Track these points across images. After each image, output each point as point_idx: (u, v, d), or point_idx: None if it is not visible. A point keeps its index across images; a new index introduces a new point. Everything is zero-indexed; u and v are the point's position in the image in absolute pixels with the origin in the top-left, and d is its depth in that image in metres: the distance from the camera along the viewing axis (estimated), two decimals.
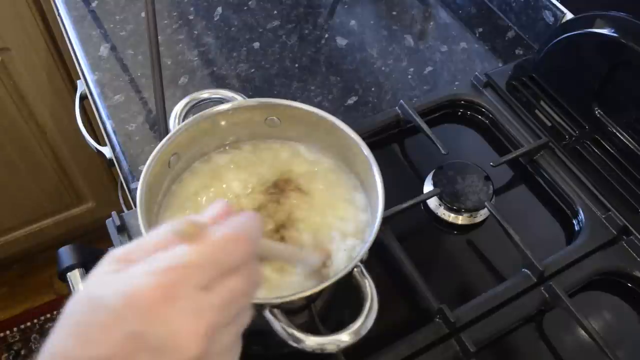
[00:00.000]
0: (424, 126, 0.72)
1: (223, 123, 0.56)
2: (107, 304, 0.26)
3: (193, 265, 0.28)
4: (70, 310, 0.28)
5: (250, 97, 0.59)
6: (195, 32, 0.89)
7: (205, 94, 0.58)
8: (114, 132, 0.76)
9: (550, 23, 0.84)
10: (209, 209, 0.33)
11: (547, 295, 0.60)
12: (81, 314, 0.27)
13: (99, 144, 0.97)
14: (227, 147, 0.59)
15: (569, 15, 0.80)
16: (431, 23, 0.94)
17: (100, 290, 0.28)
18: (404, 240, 0.63)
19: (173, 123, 0.55)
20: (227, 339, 0.30)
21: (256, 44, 0.88)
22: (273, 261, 0.47)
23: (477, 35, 0.91)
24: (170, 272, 0.27)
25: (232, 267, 0.30)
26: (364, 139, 0.53)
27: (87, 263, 0.58)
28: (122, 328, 0.26)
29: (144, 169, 0.49)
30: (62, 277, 0.58)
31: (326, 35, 0.91)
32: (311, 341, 0.42)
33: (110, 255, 0.30)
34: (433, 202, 0.68)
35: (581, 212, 0.67)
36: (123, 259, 0.29)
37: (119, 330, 0.26)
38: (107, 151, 0.91)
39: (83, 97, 1.02)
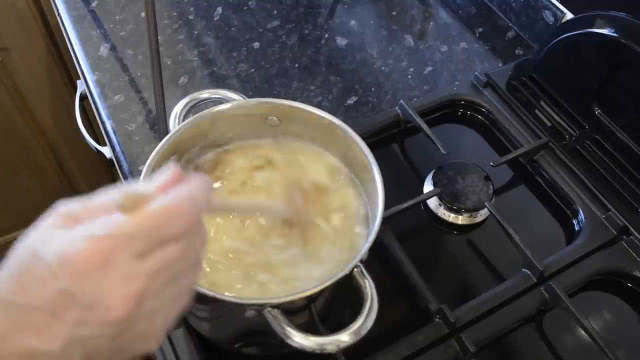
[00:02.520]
0: (424, 126, 0.72)
1: (223, 123, 0.56)
2: (46, 261, 0.29)
3: (127, 235, 0.30)
4: (16, 257, 0.30)
5: (250, 97, 0.59)
6: (195, 32, 0.89)
7: (205, 94, 0.58)
8: (114, 132, 0.76)
9: (550, 23, 0.84)
10: (158, 176, 0.34)
11: (547, 295, 0.60)
12: (24, 263, 0.29)
13: (99, 144, 0.97)
14: (227, 147, 0.59)
15: (569, 15, 0.80)
16: (431, 23, 0.94)
17: (42, 245, 0.30)
18: (404, 240, 0.63)
19: (173, 123, 0.55)
20: (157, 303, 0.32)
21: (256, 44, 0.88)
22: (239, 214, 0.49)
23: (477, 35, 0.91)
24: (106, 240, 0.29)
25: (169, 237, 0.31)
26: (364, 139, 0.53)
27: None
28: (56, 284, 0.28)
29: (144, 169, 0.49)
30: None
31: (326, 35, 0.91)
32: (311, 341, 0.42)
33: (57, 210, 0.32)
34: (433, 202, 0.68)
35: (581, 212, 0.67)
36: (67, 217, 0.31)
37: (53, 286, 0.28)
38: (107, 151, 0.91)
39: (83, 97, 1.02)
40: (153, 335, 0.33)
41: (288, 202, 0.53)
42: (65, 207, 0.32)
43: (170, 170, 0.34)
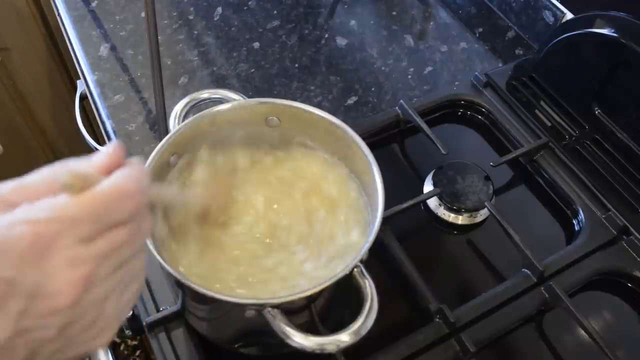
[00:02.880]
0: (424, 126, 0.72)
1: (223, 123, 0.56)
2: None
3: (72, 218, 0.28)
4: None
5: (250, 97, 0.59)
6: (195, 32, 0.89)
7: (205, 94, 0.58)
8: (114, 132, 0.76)
9: (550, 23, 0.84)
10: (99, 154, 0.33)
11: (547, 295, 0.60)
12: None
13: (99, 144, 0.97)
14: (227, 146, 0.59)
15: (569, 15, 0.80)
16: (431, 23, 0.94)
17: None
18: (404, 240, 0.63)
19: (173, 123, 0.55)
20: (105, 287, 0.30)
21: (256, 44, 0.88)
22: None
23: (477, 35, 0.91)
24: (49, 224, 0.28)
25: (117, 221, 0.30)
26: (364, 139, 0.53)
27: None
28: None
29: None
30: None
31: (326, 35, 0.91)
32: (311, 341, 0.42)
33: None
34: (433, 202, 0.68)
35: (581, 212, 0.67)
36: (3, 200, 0.29)
37: None
38: None
39: (83, 97, 1.02)
40: (105, 326, 0.31)
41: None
42: (0, 187, 0.30)
43: (112, 148, 0.33)
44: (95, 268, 0.29)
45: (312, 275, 0.50)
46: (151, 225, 0.34)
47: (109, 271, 0.30)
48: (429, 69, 0.86)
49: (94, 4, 0.92)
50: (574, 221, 0.68)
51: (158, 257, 0.44)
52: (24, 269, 0.27)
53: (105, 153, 0.32)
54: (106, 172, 0.32)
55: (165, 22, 0.90)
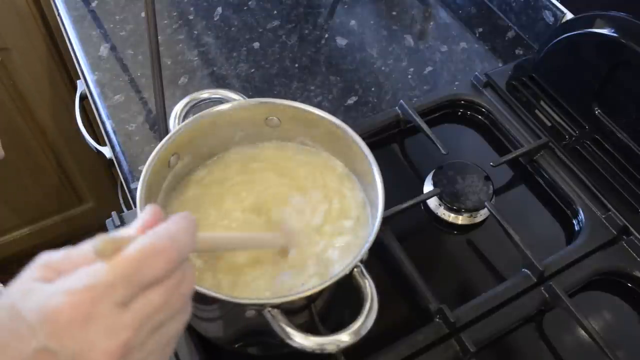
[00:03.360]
0: (424, 126, 0.72)
1: (223, 123, 0.56)
2: (25, 317, 0.28)
3: (107, 284, 0.28)
4: None
5: (250, 97, 0.59)
6: (195, 32, 0.89)
7: (205, 94, 0.58)
8: (114, 132, 0.76)
9: (550, 23, 0.84)
10: (138, 217, 0.33)
11: (547, 295, 0.60)
12: (2, 319, 0.28)
13: (99, 144, 0.97)
14: (227, 146, 0.59)
15: (569, 15, 0.80)
16: (431, 23, 0.94)
17: (22, 300, 0.28)
18: (404, 240, 0.63)
19: (173, 123, 0.55)
20: (143, 352, 0.30)
21: (256, 44, 0.88)
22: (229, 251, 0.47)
23: (477, 35, 0.91)
24: (86, 292, 0.28)
25: (150, 280, 0.30)
26: (364, 139, 0.53)
27: None
28: (36, 342, 0.27)
29: (144, 168, 0.49)
30: None
31: (326, 35, 0.91)
32: (311, 341, 0.42)
33: (39, 260, 0.30)
34: (433, 202, 0.68)
35: (581, 212, 0.67)
36: (50, 268, 0.30)
37: (33, 344, 0.27)
38: (107, 151, 0.91)
39: (83, 97, 1.02)
40: None
41: (281, 232, 0.51)
42: (46, 257, 0.30)
43: (148, 209, 0.33)
44: (133, 334, 0.29)
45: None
46: (193, 282, 0.33)
47: (147, 335, 0.30)
48: (429, 69, 0.86)
49: (94, 4, 0.92)
50: (574, 221, 0.68)
51: None
52: (62, 339, 0.27)
53: (142, 215, 0.33)
54: (144, 233, 0.31)
55: (165, 22, 0.90)
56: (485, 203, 0.66)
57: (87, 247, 0.31)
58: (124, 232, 0.32)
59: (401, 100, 0.75)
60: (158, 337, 0.31)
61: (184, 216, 0.33)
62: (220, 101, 0.57)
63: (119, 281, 0.29)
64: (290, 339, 0.42)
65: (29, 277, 0.30)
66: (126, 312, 0.29)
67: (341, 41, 0.90)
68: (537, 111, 0.77)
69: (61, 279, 0.29)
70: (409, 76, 0.85)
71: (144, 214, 0.33)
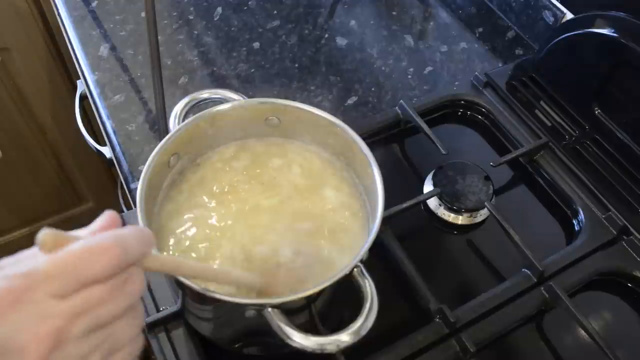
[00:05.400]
0: (424, 126, 0.72)
1: (223, 123, 0.56)
2: None
3: (44, 274, 0.29)
4: None
5: (250, 97, 0.59)
6: (195, 32, 0.89)
7: (205, 94, 0.58)
8: (114, 132, 0.76)
9: (550, 23, 0.84)
10: (96, 221, 0.33)
11: (547, 295, 0.60)
12: None
13: (99, 144, 0.97)
14: (226, 146, 0.59)
15: (569, 15, 0.80)
16: (431, 23, 0.94)
17: None
18: (404, 240, 0.63)
19: (173, 123, 0.55)
20: (81, 348, 0.30)
21: (256, 44, 0.88)
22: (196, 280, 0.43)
23: (477, 35, 0.91)
24: (22, 279, 0.28)
25: (91, 278, 0.30)
26: (364, 139, 0.53)
27: None
28: None
29: (144, 169, 0.49)
30: None
31: (326, 35, 0.91)
32: (311, 341, 0.42)
33: None
34: (433, 202, 0.68)
35: (581, 212, 0.67)
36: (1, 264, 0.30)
37: None
38: (107, 151, 0.91)
39: (83, 97, 1.02)
40: None
41: (263, 273, 0.49)
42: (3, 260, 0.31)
43: (105, 215, 0.33)
44: (65, 324, 0.29)
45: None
46: (141, 287, 0.33)
47: (84, 330, 0.30)
48: (429, 69, 0.86)
49: (94, 4, 0.92)
50: (574, 221, 0.68)
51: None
52: None
53: (98, 219, 0.33)
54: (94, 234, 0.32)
55: (165, 22, 0.90)
56: (485, 203, 0.66)
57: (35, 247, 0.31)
58: (78, 231, 0.32)
59: (401, 100, 0.75)
60: (101, 335, 0.31)
61: (139, 227, 0.33)
62: (220, 101, 0.57)
63: (57, 273, 0.29)
64: (290, 339, 0.42)
65: None
66: (61, 303, 0.29)
67: (341, 41, 0.90)
68: (537, 111, 0.77)
69: (5, 268, 0.29)
70: (409, 76, 0.85)
71: (100, 218, 0.33)
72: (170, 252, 0.50)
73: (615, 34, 0.66)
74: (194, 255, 0.50)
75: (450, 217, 0.68)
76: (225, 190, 0.55)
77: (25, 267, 0.29)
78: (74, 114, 1.04)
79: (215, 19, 0.92)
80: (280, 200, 0.55)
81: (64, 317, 0.29)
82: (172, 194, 0.55)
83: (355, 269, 0.45)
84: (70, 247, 0.30)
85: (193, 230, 0.52)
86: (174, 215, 0.53)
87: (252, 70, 0.84)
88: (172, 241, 0.51)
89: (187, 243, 0.51)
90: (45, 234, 0.29)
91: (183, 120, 0.55)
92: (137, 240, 0.32)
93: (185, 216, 0.53)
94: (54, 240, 0.30)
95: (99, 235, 0.31)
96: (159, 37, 0.70)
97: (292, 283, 0.49)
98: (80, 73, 0.86)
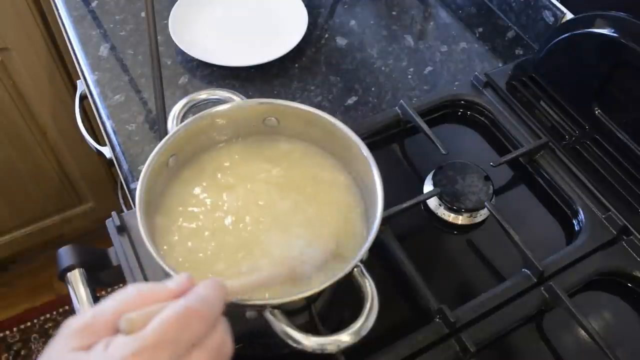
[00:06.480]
0: (424, 126, 0.72)
1: (222, 123, 0.56)
2: None
3: (154, 346, 0.29)
4: None
5: (250, 97, 0.59)
6: None
7: (204, 95, 0.58)
8: (114, 132, 0.76)
9: (550, 23, 0.84)
10: (171, 282, 0.34)
11: (547, 295, 0.60)
12: None
13: (99, 144, 0.97)
14: (226, 146, 0.59)
15: (569, 15, 0.80)
16: (431, 23, 0.94)
17: None
18: (404, 240, 0.63)
19: (171, 124, 0.55)
20: None
21: None
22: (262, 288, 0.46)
23: (477, 35, 0.91)
24: (136, 356, 0.29)
25: (192, 341, 0.31)
26: (363, 139, 0.53)
27: (86, 263, 0.58)
28: None
29: (143, 169, 0.49)
30: (62, 277, 0.58)
31: (326, 35, 0.91)
32: (311, 341, 0.42)
33: (70, 326, 0.31)
34: (433, 202, 0.68)
35: (581, 212, 0.67)
36: (83, 333, 0.30)
37: None
38: (107, 151, 0.91)
39: (83, 97, 1.02)
40: None
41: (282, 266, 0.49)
42: (77, 320, 0.31)
43: (178, 279, 0.34)
44: None
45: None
46: (231, 344, 0.35)
47: None
48: (429, 69, 0.86)
49: (94, 4, 0.92)
50: (574, 221, 0.68)
51: (157, 257, 0.44)
52: None
53: (175, 279, 0.34)
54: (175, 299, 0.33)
55: (165, 22, 0.90)
56: (485, 203, 0.66)
57: (117, 301, 0.31)
58: (155, 287, 0.33)
59: (401, 100, 0.75)
60: None
61: (213, 280, 0.35)
62: (219, 101, 0.57)
63: (164, 342, 0.29)
64: (291, 339, 0.42)
65: (62, 348, 0.30)
66: None
67: (341, 41, 0.90)
68: (537, 111, 0.77)
69: (95, 352, 0.29)
70: (409, 76, 0.85)
71: (177, 279, 0.34)
72: (171, 252, 0.50)
73: (615, 34, 0.66)
74: (201, 255, 0.51)
75: (450, 217, 0.68)
76: (225, 190, 0.55)
77: (130, 343, 0.29)
78: (74, 114, 1.04)
79: None
80: (280, 200, 0.55)
81: None
82: (172, 194, 0.55)
83: (355, 269, 0.45)
84: (162, 316, 0.30)
85: (194, 229, 0.52)
86: (174, 215, 0.53)
87: (252, 70, 0.84)
88: (174, 239, 0.51)
89: (189, 244, 0.51)
90: (126, 321, 0.30)
91: (182, 120, 0.55)
92: (215, 294, 0.34)
93: (186, 216, 0.53)
94: (143, 320, 0.30)
95: (184, 300, 0.32)
96: (159, 37, 0.70)
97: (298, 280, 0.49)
98: (80, 73, 0.86)
